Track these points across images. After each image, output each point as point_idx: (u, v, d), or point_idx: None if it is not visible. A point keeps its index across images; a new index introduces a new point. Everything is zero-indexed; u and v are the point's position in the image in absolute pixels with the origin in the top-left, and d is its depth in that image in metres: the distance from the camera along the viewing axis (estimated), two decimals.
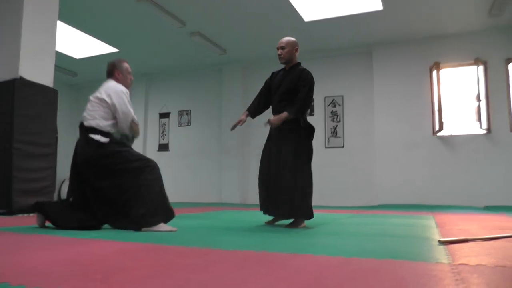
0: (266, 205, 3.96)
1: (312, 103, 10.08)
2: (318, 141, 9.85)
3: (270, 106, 4.24)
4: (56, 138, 5.99)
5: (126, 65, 3.96)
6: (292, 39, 4.10)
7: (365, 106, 9.69)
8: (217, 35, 9.23)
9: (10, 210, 5.07)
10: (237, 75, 11.03)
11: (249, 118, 4.21)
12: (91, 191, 3.58)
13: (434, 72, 8.93)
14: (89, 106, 3.67)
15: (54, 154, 5.84)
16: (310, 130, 4.01)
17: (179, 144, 11.89)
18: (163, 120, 12.20)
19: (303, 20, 8.24)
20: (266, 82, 4.28)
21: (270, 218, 4.19)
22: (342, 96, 9.90)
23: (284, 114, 3.86)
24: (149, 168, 3.54)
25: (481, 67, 8.60)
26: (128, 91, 3.81)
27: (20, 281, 1.41)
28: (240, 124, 4.10)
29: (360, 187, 9.53)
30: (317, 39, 9.33)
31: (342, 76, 9.97)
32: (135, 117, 3.78)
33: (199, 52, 10.23)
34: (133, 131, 3.82)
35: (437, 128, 8.76)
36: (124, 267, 1.73)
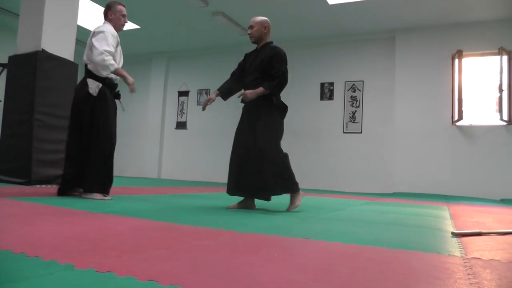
0: (239, 187, 3.84)
1: (332, 87, 10.02)
2: (336, 126, 9.82)
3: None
4: None
5: (120, 7, 3.99)
6: (262, 18, 4.02)
7: (385, 92, 9.58)
8: (239, 15, 9.17)
9: (29, 181, 5.17)
10: None
11: None
12: (81, 129, 3.91)
13: (456, 61, 8.77)
14: (86, 48, 3.85)
15: None
16: (283, 109, 3.96)
17: (197, 123, 11.93)
18: (182, 98, 12.23)
19: (328, 3, 8.13)
20: (239, 64, 4.21)
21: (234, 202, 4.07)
22: (363, 81, 9.80)
23: (260, 89, 3.81)
24: (107, 149, 3.90)
25: (505, 57, 8.41)
26: (114, 33, 3.89)
27: (36, 253, 1.45)
28: (209, 103, 4.07)
29: (376, 174, 9.48)
30: (340, 23, 9.20)
31: (363, 61, 9.86)
32: (115, 64, 3.83)
33: (221, 32, 10.19)
34: (118, 75, 3.93)
35: (456, 117, 8.64)
36: (138, 245, 1.75)
